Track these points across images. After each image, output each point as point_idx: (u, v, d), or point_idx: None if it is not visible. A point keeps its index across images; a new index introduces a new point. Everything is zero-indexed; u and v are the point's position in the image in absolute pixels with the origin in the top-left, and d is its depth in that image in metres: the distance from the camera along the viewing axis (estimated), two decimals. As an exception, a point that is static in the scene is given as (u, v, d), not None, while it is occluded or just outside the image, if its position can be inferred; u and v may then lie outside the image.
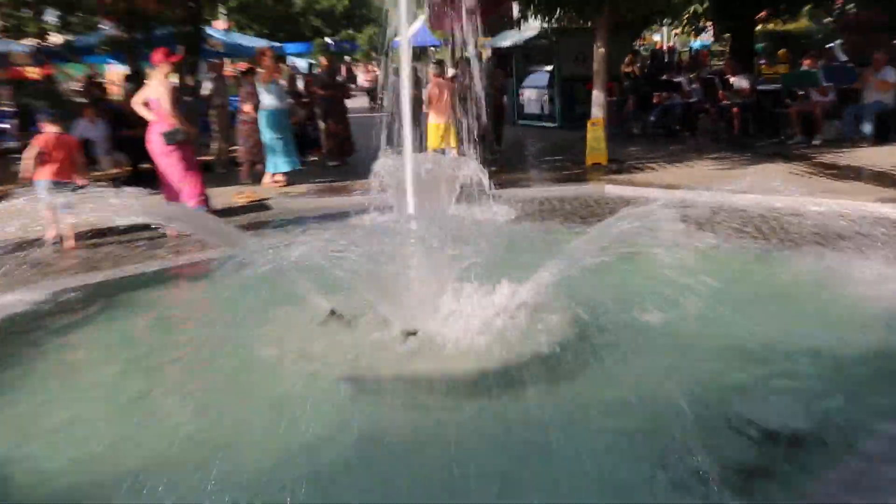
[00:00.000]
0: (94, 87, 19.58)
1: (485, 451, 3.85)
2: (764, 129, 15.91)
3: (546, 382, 4.49)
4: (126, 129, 13.78)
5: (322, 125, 15.97)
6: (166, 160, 9.52)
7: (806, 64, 16.74)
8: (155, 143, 9.49)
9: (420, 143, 9.73)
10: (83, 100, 16.23)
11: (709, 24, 25.10)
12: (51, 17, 18.03)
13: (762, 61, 23.76)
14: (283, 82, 14.82)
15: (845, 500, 3.33)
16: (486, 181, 6.52)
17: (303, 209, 11.31)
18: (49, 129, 9.38)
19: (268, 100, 13.07)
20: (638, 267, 6.79)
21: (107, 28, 17.68)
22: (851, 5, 24.38)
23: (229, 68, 20.24)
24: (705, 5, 19.78)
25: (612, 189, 11.30)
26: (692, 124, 17.05)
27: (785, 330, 5.18)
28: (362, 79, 41.30)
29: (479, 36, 7.70)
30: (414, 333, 5.04)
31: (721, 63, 22.66)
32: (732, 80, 16.45)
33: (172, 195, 9.45)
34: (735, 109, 15.90)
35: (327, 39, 45.24)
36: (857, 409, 4.16)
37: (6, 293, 6.72)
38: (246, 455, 3.93)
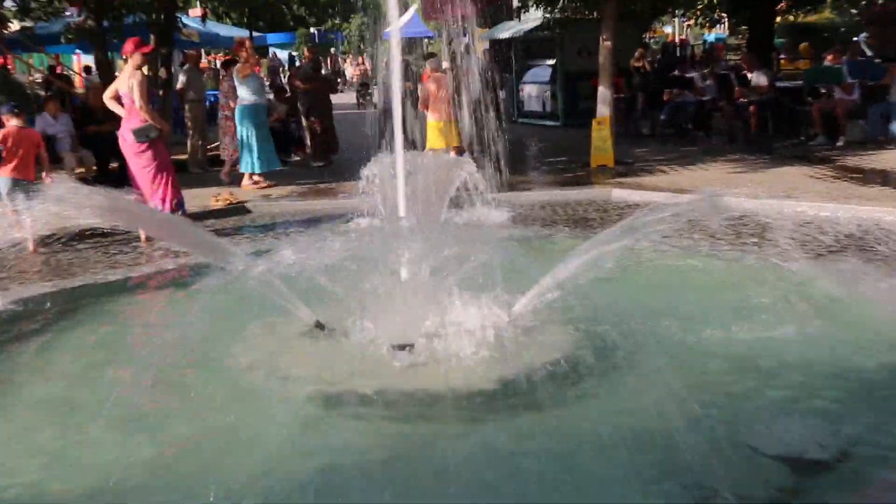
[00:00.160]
0: (58, 78, 19.64)
1: (478, 475, 3.85)
2: (783, 129, 15.97)
3: (548, 400, 4.49)
4: (92, 125, 13.81)
5: (304, 122, 15.98)
6: (138, 159, 9.52)
7: (829, 59, 16.82)
8: (127, 140, 9.49)
9: (413, 143, 9.77)
10: (44, 92, 16.26)
11: (724, 15, 25.25)
12: (9, 1, 17.98)
13: (781, 56, 23.89)
14: (262, 75, 14.85)
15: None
16: (483, 184, 6.54)
17: (284, 213, 11.33)
18: (10, 123, 9.39)
19: (245, 94, 13.08)
20: (648, 277, 6.84)
21: (72, 15, 17.68)
22: (878, -5, 24.53)
23: (205, 60, 20.23)
24: (721, -5, 19.90)
25: (618, 193, 11.34)
26: (705, 124, 17.10)
27: (808, 347, 5.21)
28: (350, 72, 41.38)
29: (474, 27, 7.75)
30: (404, 347, 5.04)
31: (737, 58, 22.76)
32: (749, 76, 16.52)
33: (144, 197, 9.44)
34: (752, 108, 15.96)
35: (312, 30, 45.29)
36: (881, 435, 4.18)
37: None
38: (215, 479, 3.93)
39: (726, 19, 26.59)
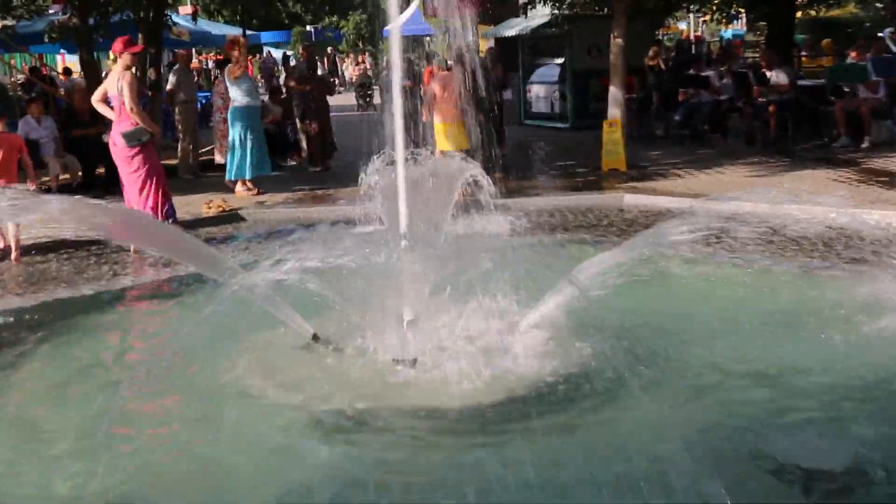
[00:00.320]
0: (41, 79, 19.72)
1: (483, 496, 3.87)
2: (805, 130, 15.97)
3: (556, 417, 4.51)
4: (78, 128, 13.87)
5: (299, 125, 16.02)
6: (128, 164, 9.53)
7: (852, 55, 16.83)
8: (117, 144, 9.51)
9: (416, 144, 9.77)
10: (27, 94, 16.32)
11: (742, 10, 25.27)
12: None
13: (803, 53, 23.89)
14: (256, 75, 14.89)
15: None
16: (489, 189, 6.56)
17: (280, 220, 11.36)
18: (-10, 127, 9.45)
19: (237, 95, 13.10)
20: (665, 286, 6.86)
21: (56, 12, 17.73)
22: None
23: (196, 60, 20.30)
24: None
25: (631, 199, 11.36)
26: (722, 125, 17.11)
27: (830, 361, 5.23)
28: (350, 72, 41.44)
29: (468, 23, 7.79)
30: (406, 362, 5.06)
31: (756, 55, 22.81)
32: (769, 74, 16.53)
33: (134, 204, 9.47)
34: (772, 108, 15.96)
35: (308, 28, 45.39)
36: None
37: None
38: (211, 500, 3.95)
39: (744, 15, 26.63)
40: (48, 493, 4.17)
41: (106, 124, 11.57)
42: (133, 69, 9.82)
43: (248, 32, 27.58)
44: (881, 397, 4.82)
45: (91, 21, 15.72)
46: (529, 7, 21.40)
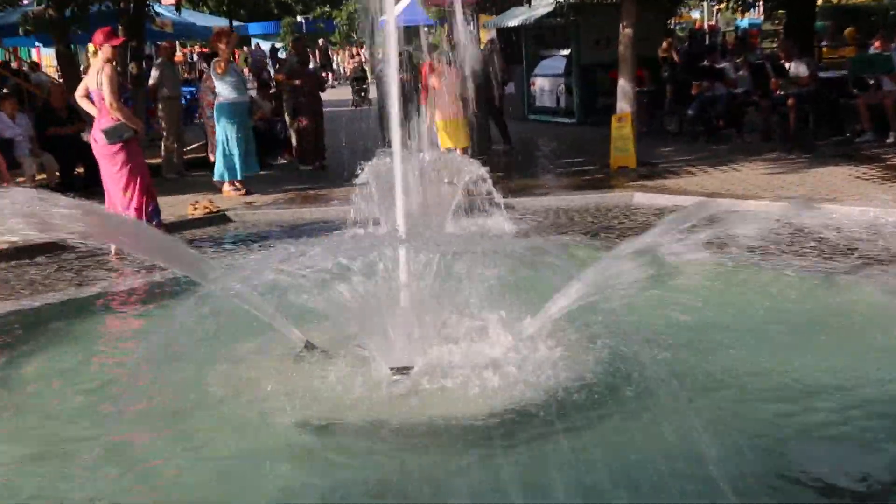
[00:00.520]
0: (15, 74, 19.77)
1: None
2: (826, 124, 15.98)
3: (566, 429, 4.52)
4: (54, 126, 13.89)
5: (289, 121, 16.03)
6: (110, 163, 9.54)
7: (876, 45, 16.85)
8: (98, 142, 9.53)
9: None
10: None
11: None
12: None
13: (823, 43, 23.89)
14: (244, 69, 14.92)
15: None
16: (492, 188, 6.60)
17: (269, 221, 11.39)
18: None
19: (224, 90, 13.10)
20: (679, 292, 6.88)
21: (30, 3, 17.76)
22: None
23: (180, 53, 20.33)
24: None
25: (641, 198, 11.38)
26: (738, 119, 17.12)
27: (856, 368, 5.27)
28: (345, 65, 41.50)
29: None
30: (405, 371, 5.08)
31: (774, 45, 22.82)
32: (787, 65, 16.55)
33: (115, 205, 9.48)
34: (791, 101, 15.96)
35: (299, 18, 45.45)
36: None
37: None
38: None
39: (761, 2, 26.60)
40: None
41: (85, 121, 11.61)
42: (114, 62, 9.83)
43: (236, 23, 27.66)
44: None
45: (68, 12, 15.72)
46: (533, -5, 21.43)
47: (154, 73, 15.81)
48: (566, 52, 20.99)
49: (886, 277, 7.06)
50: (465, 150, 12.25)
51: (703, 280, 7.11)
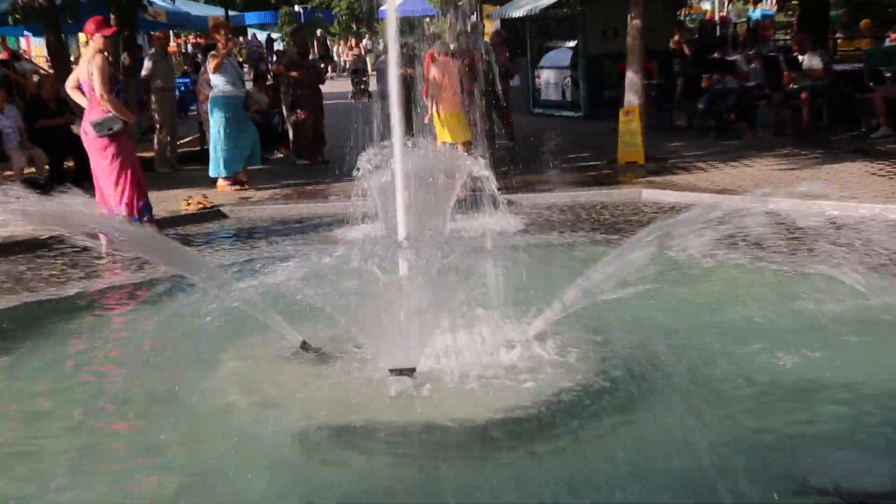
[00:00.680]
0: (4, 65, 19.73)
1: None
2: (840, 119, 15.98)
3: (573, 433, 4.52)
4: (44, 119, 13.88)
5: (287, 114, 16.03)
6: (100, 156, 9.53)
7: (893, 38, 16.85)
8: (88, 135, 9.52)
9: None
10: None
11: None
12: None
13: (838, 35, 23.88)
14: (241, 61, 14.91)
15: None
16: (494, 184, 6.58)
17: (265, 217, 11.38)
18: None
19: (219, 82, 13.07)
20: (691, 290, 6.87)
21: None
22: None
23: (174, 43, 20.34)
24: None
25: (650, 194, 11.37)
26: (750, 114, 17.11)
27: (875, 372, 5.26)
28: (345, 57, 41.51)
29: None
30: (405, 372, 5.07)
31: (787, 37, 22.80)
32: (801, 58, 16.54)
33: (105, 200, 9.48)
34: (804, 95, 15.96)
35: (296, 7, 45.41)
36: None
37: None
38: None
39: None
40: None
41: (75, 113, 11.59)
42: (105, 53, 9.82)
43: (232, 13, 27.65)
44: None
45: (58, 1, 15.72)
46: (539, -15, 21.41)
47: (147, 63, 15.78)
48: (572, 43, 20.99)
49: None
50: (466, 146, 12.24)
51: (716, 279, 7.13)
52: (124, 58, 15.76)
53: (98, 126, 9.39)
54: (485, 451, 4.47)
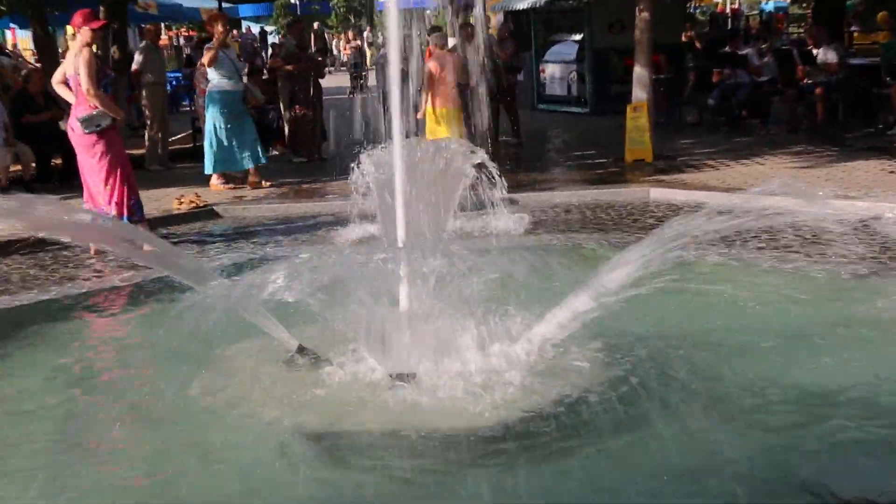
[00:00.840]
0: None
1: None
2: (856, 115, 15.97)
3: (579, 441, 4.52)
4: (30, 114, 13.87)
5: (284, 109, 16.02)
6: (88, 154, 9.51)
7: (911, 31, 16.80)
8: (75, 131, 9.51)
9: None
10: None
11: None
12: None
13: (854, 28, 23.87)
14: (237, 55, 14.89)
15: None
16: (498, 182, 6.57)
17: (260, 217, 11.38)
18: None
19: (215, 77, 13.04)
20: (701, 296, 6.87)
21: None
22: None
23: (165, 36, 20.34)
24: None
25: (658, 193, 11.35)
26: (762, 109, 17.11)
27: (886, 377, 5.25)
28: (343, 51, 41.55)
29: None
30: (405, 378, 5.06)
31: (801, 30, 22.78)
32: (816, 52, 16.53)
33: (94, 199, 9.47)
34: (819, 90, 15.96)
35: (292, -1, 45.45)
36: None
37: None
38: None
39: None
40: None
41: (63, 109, 11.58)
42: (93, 46, 9.80)
43: (226, 5, 27.59)
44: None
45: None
46: (544, -24, 21.41)
47: (137, 57, 15.74)
48: (578, 36, 20.99)
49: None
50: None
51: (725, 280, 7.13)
52: (113, 51, 15.75)
53: (85, 122, 9.37)
54: (490, 459, 4.47)
